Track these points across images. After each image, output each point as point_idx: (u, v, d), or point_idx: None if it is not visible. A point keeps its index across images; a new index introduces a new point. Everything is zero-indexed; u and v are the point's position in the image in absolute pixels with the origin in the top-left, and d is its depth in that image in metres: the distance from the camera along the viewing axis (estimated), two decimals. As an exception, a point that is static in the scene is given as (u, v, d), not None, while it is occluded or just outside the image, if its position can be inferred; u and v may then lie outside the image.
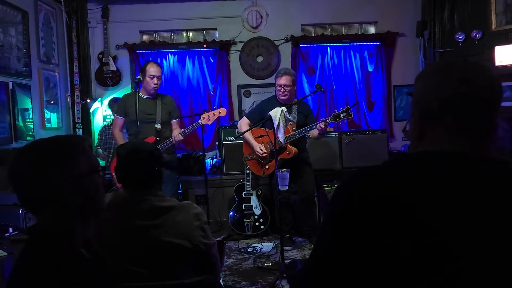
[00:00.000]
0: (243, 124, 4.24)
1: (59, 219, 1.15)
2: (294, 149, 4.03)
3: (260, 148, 4.08)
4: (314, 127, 3.87)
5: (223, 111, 3.94)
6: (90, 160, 1.20)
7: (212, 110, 3.93)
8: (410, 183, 0.88)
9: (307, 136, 4.20)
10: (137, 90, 3.96)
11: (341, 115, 3.76)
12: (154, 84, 3.90)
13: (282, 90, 4.05)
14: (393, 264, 0.83)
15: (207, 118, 3.88)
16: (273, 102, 4.17)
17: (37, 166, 1.12)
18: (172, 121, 4.09)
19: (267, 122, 4.01)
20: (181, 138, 3.87)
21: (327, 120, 3.78)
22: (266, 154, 4.07)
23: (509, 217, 0.86)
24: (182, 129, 3.95)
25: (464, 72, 0.96)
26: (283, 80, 4.03)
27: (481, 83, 0.95)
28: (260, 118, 4.10)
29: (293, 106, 4.12)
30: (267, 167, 4.16)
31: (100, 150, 5.15)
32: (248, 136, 4.17)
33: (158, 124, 3.92)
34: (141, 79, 3.94)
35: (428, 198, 0.85)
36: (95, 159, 1.23)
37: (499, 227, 0.85)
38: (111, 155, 4.96)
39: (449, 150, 0.94)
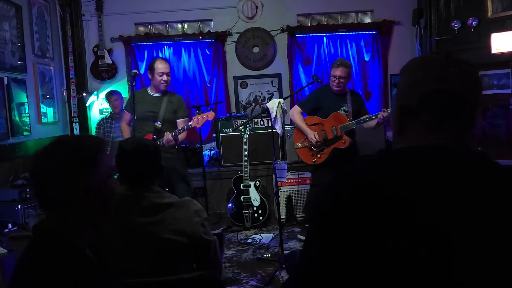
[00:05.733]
0: (295, 112, 4.20)
1: (71, 219, 1.14)
2: (349, 139, 3.99)
3: (314, 135, 4.03)
4: (374, 117, 3.83)
5: (211, 115, 3.80)
6: (110, 163, 1.22)
7: (202, 113, 3.82)
8: (393, 178, 0.89)
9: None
10: (146, 87, 3.94)
11: None
12: (163, 81, 3.83)
13: (337, 81, 3.99)
14: (383, 261, 0.83)
15: (197, 121, 3.75)
16: (327, 91, 4.14)
17: (64, 167, 1.11)
18: (177, 120, 3.94)
19: (320, 110, 4.05)
20: (171, 138, 3.70)
21: (389, 111, 3.70)
22: (319, 141, 4.02)
23: (497, 206, 0.87)
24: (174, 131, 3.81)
25: (444, 69, 0.96)
26: (339, 72, 3.96)
27: (460, 80, 0.94)
28: (313, 107, 4.13)
29: (347, 96, 4.09)
30: (319, 155, 4.08)
31: None
32: (301, 123, 4.14)
33: (159, 123, 3.82)
34: (137, 72, 3.91)
35: (411, 192, 0.86)
36: (112, 162, 1.25)
37: (489, 217, 0.85)
38: (109, 148, 4.96)
39: (427, 144, 0.94)
